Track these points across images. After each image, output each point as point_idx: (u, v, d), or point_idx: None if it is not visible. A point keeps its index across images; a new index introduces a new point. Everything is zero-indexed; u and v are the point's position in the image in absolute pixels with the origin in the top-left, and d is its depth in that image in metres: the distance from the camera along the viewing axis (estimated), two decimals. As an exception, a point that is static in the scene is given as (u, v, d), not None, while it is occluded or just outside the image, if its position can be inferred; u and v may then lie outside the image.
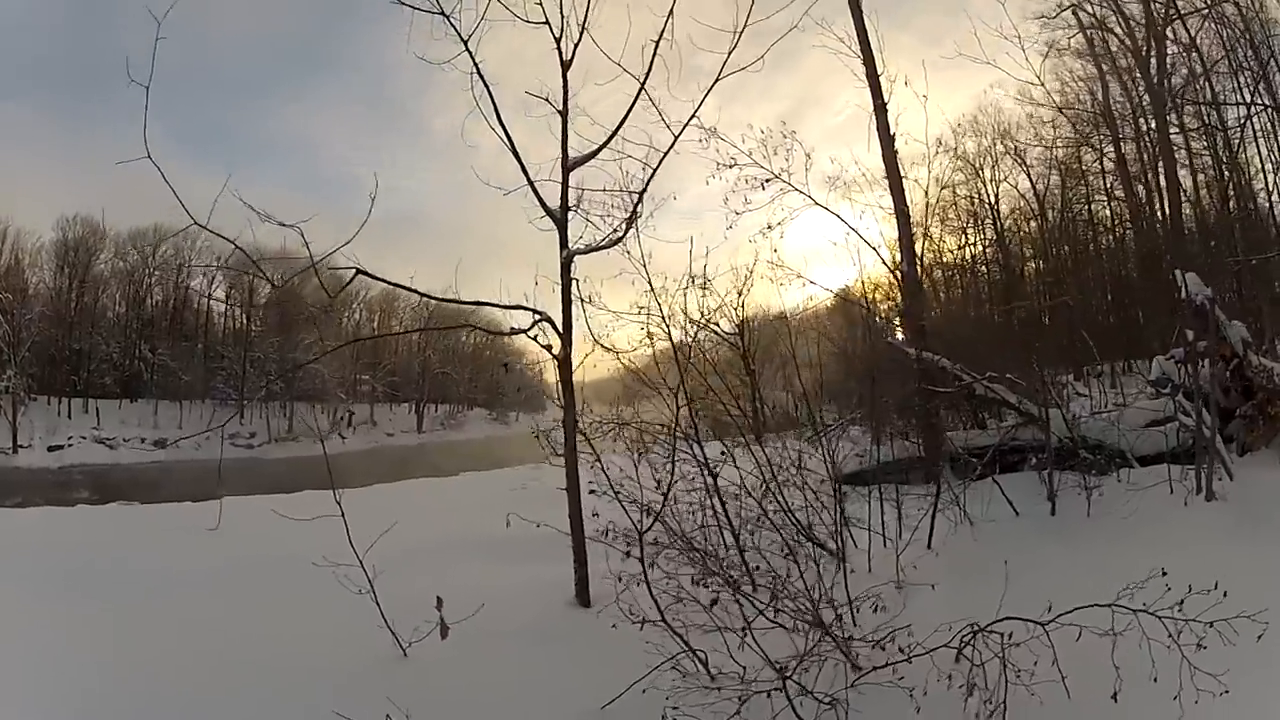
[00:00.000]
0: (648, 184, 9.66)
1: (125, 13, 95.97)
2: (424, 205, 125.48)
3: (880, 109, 14.08)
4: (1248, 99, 23.80)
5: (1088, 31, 26.56)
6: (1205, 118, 24.91)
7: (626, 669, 6.44)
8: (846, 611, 6.27)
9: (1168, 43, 24.43)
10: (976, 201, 28.53)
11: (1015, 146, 29.60)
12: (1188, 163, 25.60)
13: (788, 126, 14.42)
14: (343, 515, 8.49)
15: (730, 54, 9.67)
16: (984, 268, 28.31)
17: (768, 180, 14.48)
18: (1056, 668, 5.21)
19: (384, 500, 22.12)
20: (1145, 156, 27.24)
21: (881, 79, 14.18)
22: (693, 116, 10.00)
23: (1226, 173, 24.04)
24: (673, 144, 9.77)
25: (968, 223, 26.93)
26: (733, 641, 6.27)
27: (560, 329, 9.81)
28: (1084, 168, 29.98)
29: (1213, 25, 23.81)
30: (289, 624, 9.33)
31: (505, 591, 8.90)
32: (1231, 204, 24.09)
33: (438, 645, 7.81)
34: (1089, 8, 25.92)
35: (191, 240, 66.54)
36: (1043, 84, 26.30)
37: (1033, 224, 30.36)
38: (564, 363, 9.80)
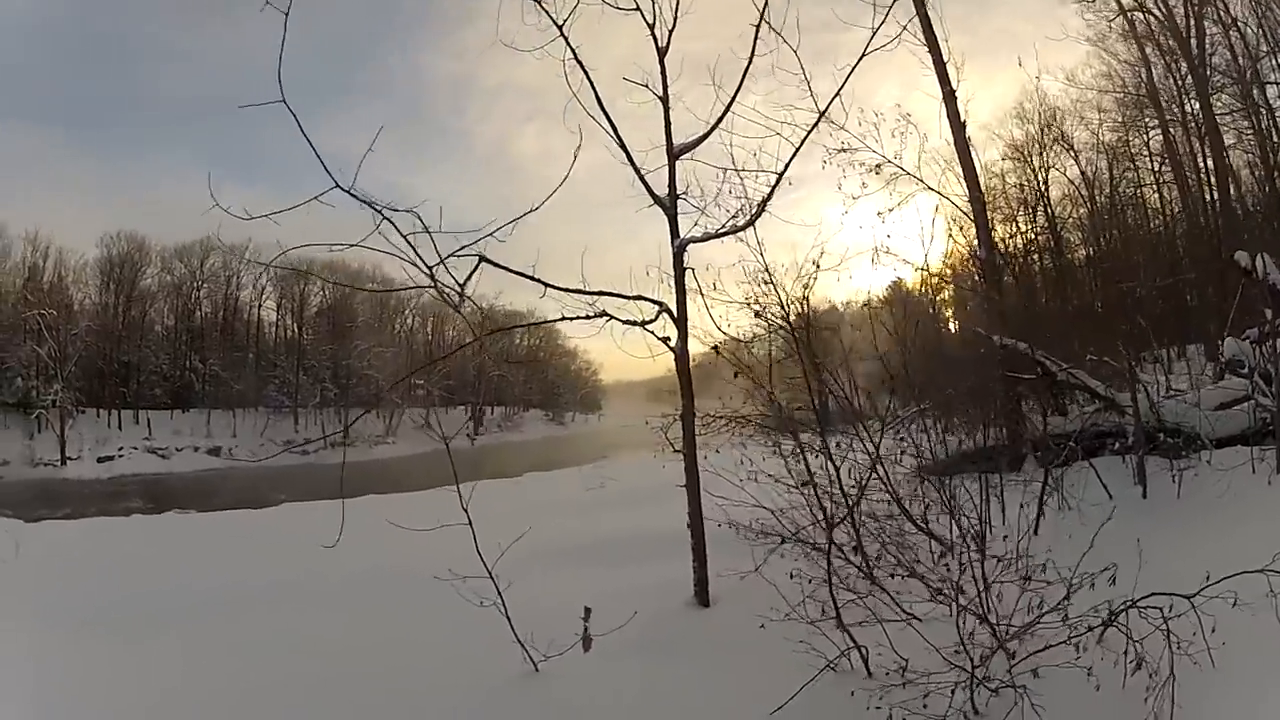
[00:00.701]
0: (788, 165, 9.42)
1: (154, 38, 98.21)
2: (464, 215, 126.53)
3: (949, 96, 13.93)
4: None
5: (1129, 14, 26.49)
6: (1249, 96, 24.82)
7: (776, 671, 6.45)
8: (983, 597, 6.13)
9: (1207, 22, 24.49)
10: (1026, 189, 28.35)
11: (1062, 132, 29.50)
12: (1234, 142, 25.47)
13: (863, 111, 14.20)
14: (470, 523, 8.09)
15: (878, 29, 9.45)
16: (1035, 255, 28.15)
17: (879, 165, 14.26)
18: (1203, 638, 5.31)
19: (475, 502, 22.07)
20: (1192, 138, 27.13)
21: (949, 66, 14.07)
22: (836, 95, 9.76)
23: (1273, 153, 23.89)
24: (815, 125, 9.59)
25: (1018, 210, 26.75)
26: (885, 635, 6.34)
27: (675, 320, 9.56)
28: (1132, 151, 29.87)
29: (1252, 3, 23.75)
30: (400, 641, 8.82)
31: (617, 597, 8.15)
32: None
33: (572, 660, 7.34)
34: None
35: (240, 252, 68.17)
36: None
37: (1081, 210, 30.20)
38: (681, 355, 9.50)
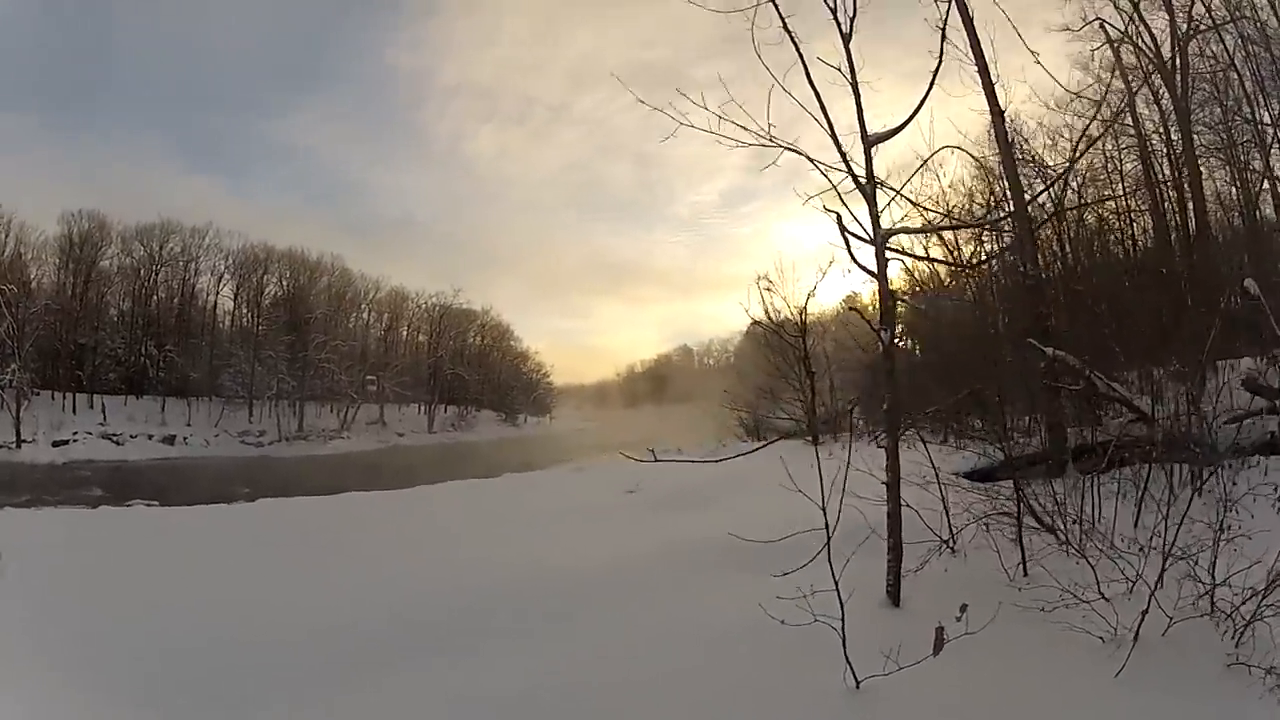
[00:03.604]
0: (1075, 160, 9.28)
1: (120, 26, 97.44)
2: (419, 211, 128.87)
3: (997, 114, 14.22)
4: (1273, 110, 24.39)
5: (1114, 44, 27.13)
6: (1230, 132, 25.60)
7: (1050, 653, 6.90)
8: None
9: (1192, 56, 25.28)
10: (993, 209, 28.93)
11: (1034, 154, 30.01)
12: (1220, 175, 26.30)
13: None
14: (825, 520, 7.05)
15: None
16: (999, 274, 28.73)
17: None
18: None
19: (498, 502, 21.19)
20: (1171, 170, 27.87)
21: (997, 87, 14.03)
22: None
23: (1267, 183, 24.65)
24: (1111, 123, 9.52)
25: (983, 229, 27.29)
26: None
27: (881, 310, 9.31)
28: (1108, 177, 30.51)
29: (1237, 39, 24.50)
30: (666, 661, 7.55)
31: (803, 604, 6.96)
32: (1270, 214, 24.67)
33: (897, 678, 6.40)
34: (1116, 22, 26.57)
35: (200, 237, 67.83)
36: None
37: (1047, 231, 30.76)
38: (888, 349, 9.22)
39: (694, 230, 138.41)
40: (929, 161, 9.86)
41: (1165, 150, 27.66)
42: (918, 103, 9.20)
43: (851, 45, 9.13)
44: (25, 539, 13.81)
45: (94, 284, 65.64)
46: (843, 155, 9.02)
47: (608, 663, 7.64)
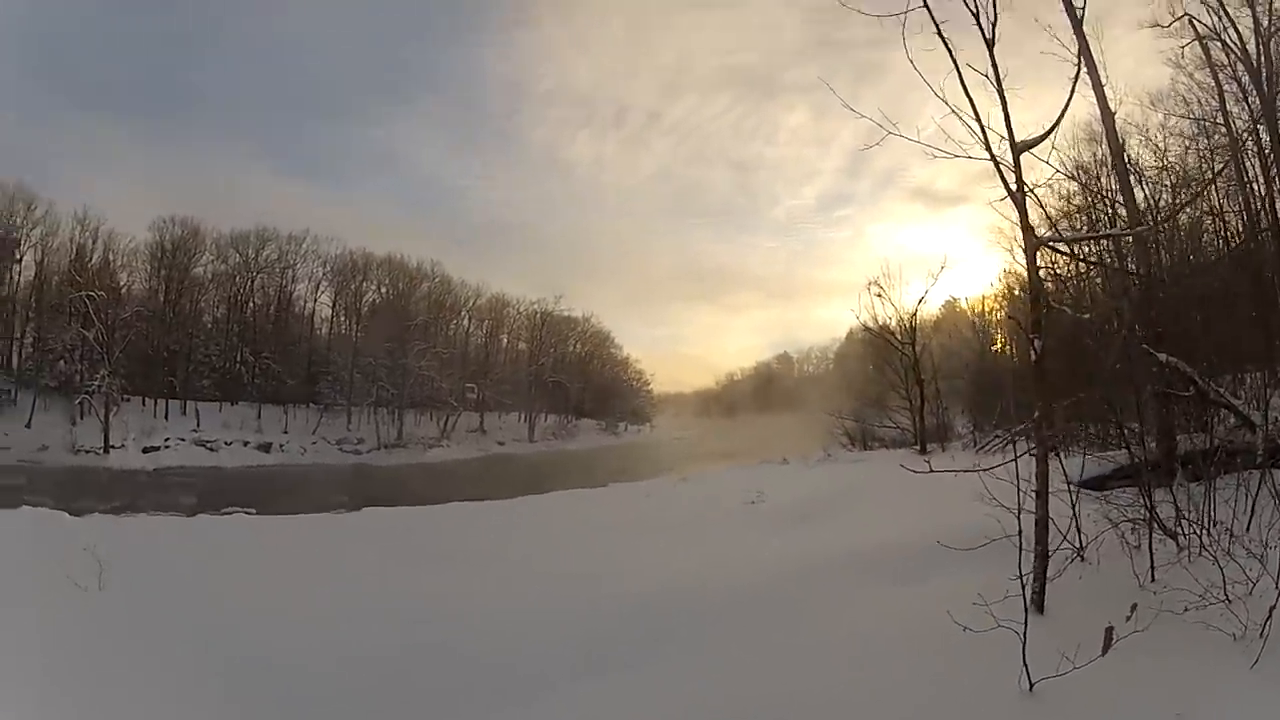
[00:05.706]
0: (1198, 194, 9.46)
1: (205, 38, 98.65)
2: (515, 217, 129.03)
3: (1107, 115, 14.28)
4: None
5: (1203, 40, 26.96)
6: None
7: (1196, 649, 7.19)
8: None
9: (1275, 55, 25.08)
10: (1093, 213, 28.98)
11: (1127, 155, 29.87)
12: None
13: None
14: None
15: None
16: (1099, 279, 28.67)
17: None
18: None
19: (618, 513, 21.91)
20: (1263, 169, 27.59)
21: (1106, 89, 13.90)
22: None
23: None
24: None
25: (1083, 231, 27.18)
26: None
27: (1031, 320, 9.43)
28: (1201, 178, 30.24)
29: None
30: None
31: (958, 612, 7.41)
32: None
33: (1065, 679, 6.56)
34: (1204, 19, 26.43)
35: (296, 244, 69.38)
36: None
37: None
38: (1040, 358, 9.26)
39: (790, 235, 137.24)
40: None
41: (1256, 149, 27.38)
42: (1060, 109, 9.36)
43: (995, 51, 9.25)
44: (126, 548, 14.05)
45: (187, 290, 66.26)
46: (994, 161, 9.17)
47: (789, 674, 8.15)
